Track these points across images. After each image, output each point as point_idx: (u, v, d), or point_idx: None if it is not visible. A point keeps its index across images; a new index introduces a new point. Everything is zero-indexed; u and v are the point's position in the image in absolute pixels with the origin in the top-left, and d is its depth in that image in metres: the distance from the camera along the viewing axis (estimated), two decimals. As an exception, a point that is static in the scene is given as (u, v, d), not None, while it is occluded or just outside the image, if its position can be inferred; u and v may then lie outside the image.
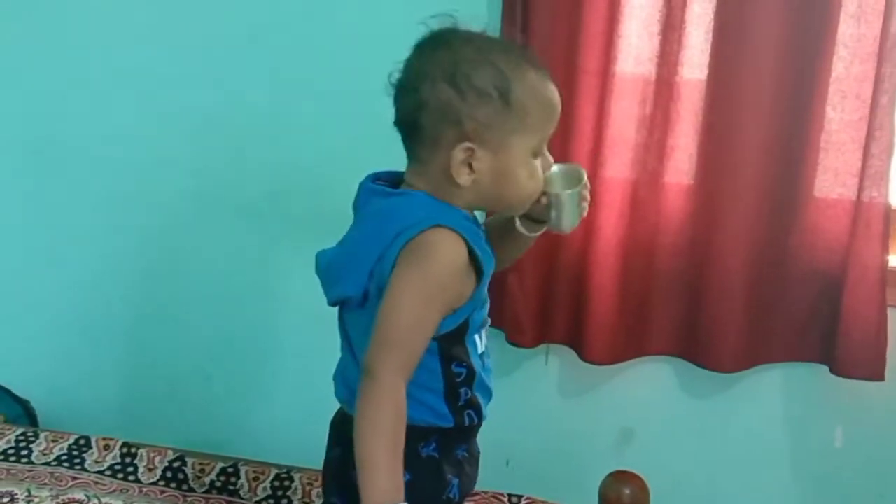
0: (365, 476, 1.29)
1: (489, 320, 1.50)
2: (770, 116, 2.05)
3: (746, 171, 2.08)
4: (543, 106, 1.39)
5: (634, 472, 1.85)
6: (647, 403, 2.33)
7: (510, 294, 2.20)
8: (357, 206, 1.47)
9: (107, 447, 2.10)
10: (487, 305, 1.47)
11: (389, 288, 1.33)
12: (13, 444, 2.10)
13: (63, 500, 1.90)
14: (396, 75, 1.40)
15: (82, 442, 2.11)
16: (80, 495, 1.92)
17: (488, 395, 1.50)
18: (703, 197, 2.12)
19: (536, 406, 2.38)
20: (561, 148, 2.08)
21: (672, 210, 2.14)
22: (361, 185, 1.47)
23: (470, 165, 1.36)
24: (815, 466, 2.29)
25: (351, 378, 1.42)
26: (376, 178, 1.47)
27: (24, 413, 2.54)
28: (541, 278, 2.21)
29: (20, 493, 1.91)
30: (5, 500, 1.89)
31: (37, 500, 1.90)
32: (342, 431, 1.46)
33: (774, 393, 2.26)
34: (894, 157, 2.02)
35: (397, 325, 1.33)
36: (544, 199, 1.47)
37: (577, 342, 2.23)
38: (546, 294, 2.22)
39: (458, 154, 1.35)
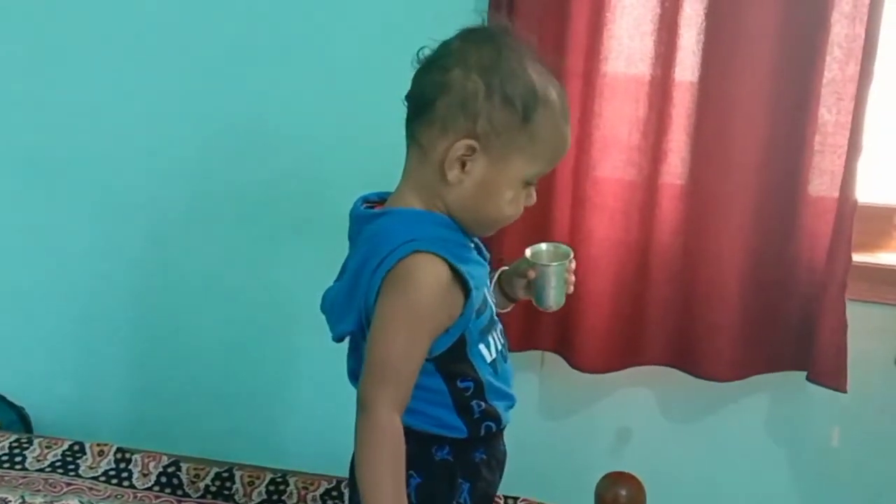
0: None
1: (498, 322, 1.48)
2: (764, 119, 2.04)
3: (740, 175, 2.06)
4: (556, 142, 1.40)
5: (631, 472, 1.84)
6: (642, 408, 2.33)
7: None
8: (351, 235, 1.45)
9: (101, 453, 2.09)
10: (490, 310, 1.45)
11: (375, 320, 1.33)
12: (7, 451, 2.09)
13: (57, 505, 1.90)
14: (427, 52, 1.38)
15: (76, 448, 2.10)
16: (74, 501, 1.91)
17: (508, 399, 1.48)
18: (697, 201, 2.10)
19: (532, 409, 2.37)
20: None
21: (665, 213, 2.12)
22: (352, 212, 1.45)
23: (464, 165, 1.35)
24: (810, 472, 2.29)
25: None
26: (365, 200, 1.45)
27: (18, 419, 2.53)
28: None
29: (14, 500, 1.90)
30: (-2, 506, 1.89)
31: (30, 506, 1.89)
32: None
33: (769, 399, 2.26)
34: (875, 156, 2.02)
35: (386, 358, 1.33)
36: (531, 273, 1.52)
37: (567, 349, 2.20)
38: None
39: (460, 148, 1.33)
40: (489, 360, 1.43)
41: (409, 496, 1.38)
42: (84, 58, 2.40)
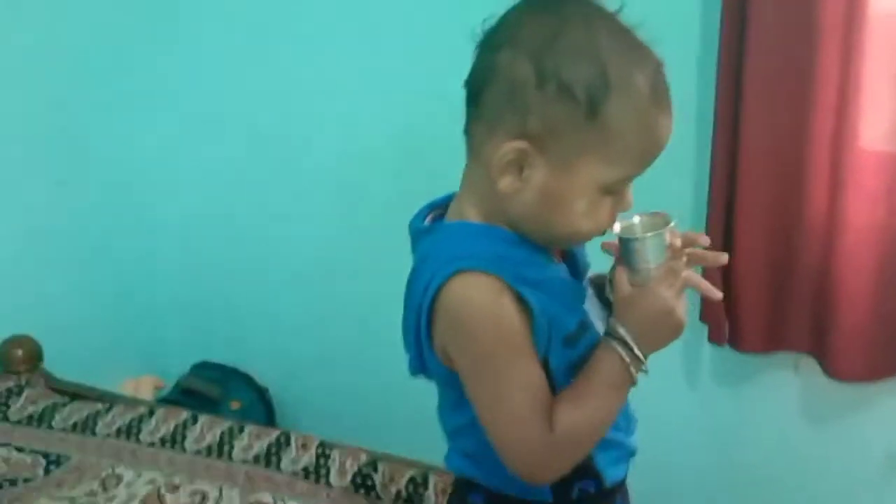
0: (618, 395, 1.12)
1: None
2: None
3: None
4: (642, 139, 1.07)
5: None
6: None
7: (731, 289, 1.89)
8: (413, 251, 1.21)
9: (304, 446, 2.02)
10: (592, 337, 1.15)
11: (463, 379, 1.11)
12: (218, 439, 2.08)
13: (250, 500, 1.85)
14: (490, 23, 1.11)
15: (283, 439, 2.05)
16: (267, 498, 1.86)
17: (618, 449, 1.20)
18: None
19: (780, 424, 2.06)
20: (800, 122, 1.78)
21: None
22: (410, 225, 1.20)
23: (520, 170, 1.07)
24: None
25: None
26: (432, 207, 1.20)
27: (259, 400, 2.56)
28: (773, 271, 1.89)
29: (211, 493, 1.88)
30: (196, 498, 1.87)
31: (225, 500, 1.86)
32: None
33: None
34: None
35: (501, 419, 1.10)
36: (613, 250, 1.17)
37: (822, 352, 1.90)
38: (780, 291, 1.88)
39: (507, 152, 1.06)
40: None
41: None
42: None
